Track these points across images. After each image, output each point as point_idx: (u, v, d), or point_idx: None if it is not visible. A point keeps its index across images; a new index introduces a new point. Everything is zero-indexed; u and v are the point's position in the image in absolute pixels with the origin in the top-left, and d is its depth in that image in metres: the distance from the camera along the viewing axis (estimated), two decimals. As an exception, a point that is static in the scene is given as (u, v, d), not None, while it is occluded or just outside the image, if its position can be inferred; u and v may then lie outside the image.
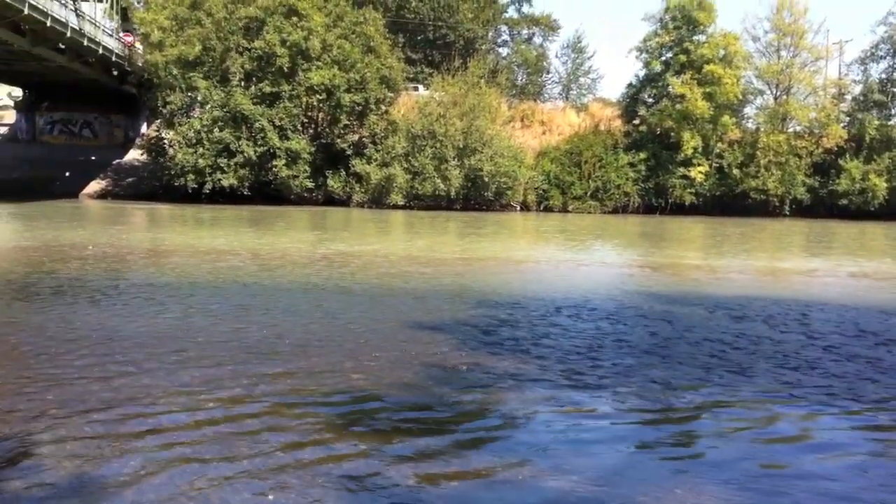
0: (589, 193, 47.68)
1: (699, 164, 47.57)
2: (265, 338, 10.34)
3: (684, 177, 47.60)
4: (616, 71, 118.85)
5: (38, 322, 10.93)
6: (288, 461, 6.15)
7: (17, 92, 53.43)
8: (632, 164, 48.04)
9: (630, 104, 52.14)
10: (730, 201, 48.29)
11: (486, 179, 44.68)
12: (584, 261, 22.75)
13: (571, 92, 74.52)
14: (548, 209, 47.12)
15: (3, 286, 14.30)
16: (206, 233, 28.56)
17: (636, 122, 51.25)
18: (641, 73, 51.86)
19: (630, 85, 52.45)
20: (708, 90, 47.00)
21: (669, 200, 47.88)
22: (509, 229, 34.84)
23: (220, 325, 11.13)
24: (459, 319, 11.93)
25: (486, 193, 45.36)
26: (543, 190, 47.45)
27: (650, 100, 51.37)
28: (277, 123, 42.50)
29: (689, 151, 46.99)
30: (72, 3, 39.15)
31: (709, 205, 48.02)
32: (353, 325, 11.37)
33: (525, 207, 47.21)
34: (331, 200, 44.50)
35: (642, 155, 48.06)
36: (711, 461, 6.45)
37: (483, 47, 65.59)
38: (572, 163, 48.38)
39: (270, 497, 5.50)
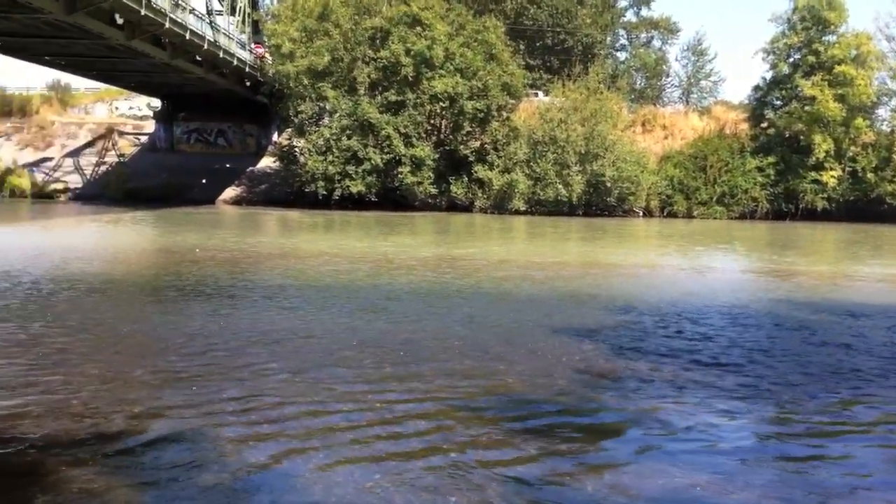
0: (715, 199, 46.81)
1: (831, 169, 45.97)
2: (412, 339, 10.68)
3: (816, 181, 46.05)
4: (739, 73, 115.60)
5: (184, 322, 11.49)
6: (463, 461, 6.33)
7: (156, 102, 56.01)
8: (760, 169, 46.86)
9: (757, 107, 50.89)
10: (864, 207, 46.48)
11: (609, 185, 44.45)
12: (713, 267, 22.59)
13: (692, 95, 73.12)
14: (671, 215, 46.49)
15: (157, 287, 15.15)
16: (337, 237, 29.56)
17: (764, 125, 49.99)
18: (768, 75, 50.63)
19: (757, 87, 51.21)
20: (840, 92, 45.49)
21: (800, 206, 46.52)
22: (634, 235, 34.66)
23: (365, 326, 11.48)
24: (595, 324, 12.13)
25: (608, 199, 45.12)
26: (667, 195, 46.85)
27: (778, 102, 50.06)
28: (402, 131, 43.38)
29: (821, 155, 45.43)
30: (207, 16, 41.11)
31: (842, 210, 46.34)
32: (494, 327, 11.69)
33: (648, 213, 46.68)
34: (453, 206, 45.10)
35: (771, 159, 46.81)
36: (874, 483, 6.28)
37: (601, 52, 65.12)
38: (697, 167, 47.61)
39: (453, 499, 5.65)
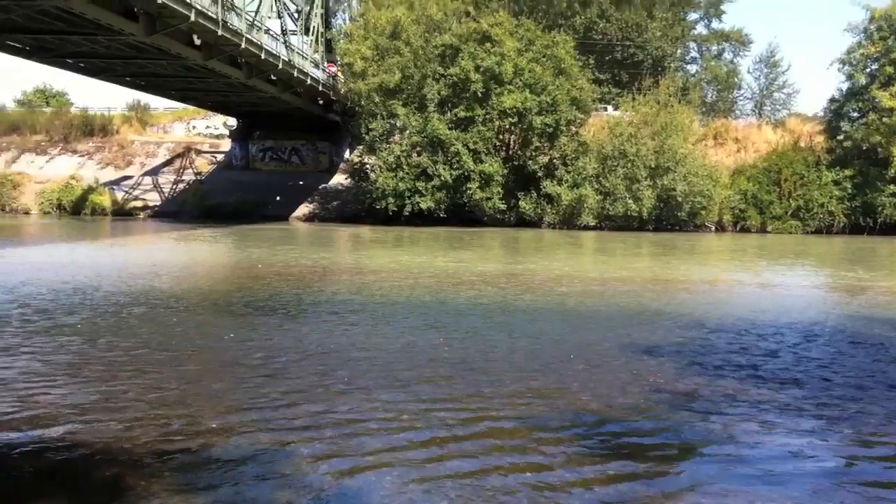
0: (790, 213, 45.79)
1: (912, 181, 44.60)
2: (484, 357, 10.76)
3: (895, 195, 44.76)
4: (813, 85, 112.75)
5: (255, 338, 11.73)
6: (539, 481, 6.34)
7: (232, 121, 57.45)
8: (836, 182, 45.64)
9: (833, 119, 49.68)
10: (947, 220, 44.94)
11: (680, 199, 43.84)
12: (789, 284, 22.06)
13: (765, 108, 71.65)
14: (745, 229, 45.61)
15: (229, 302, 15.40)
16: (407, 252, 29.82)
17: (840, 137, 48.72)
18: (844, 87, 49.42)
19: (832, 99, 49.99)
20: (920, 103, 44.12)
21: (878, 220, 45.17)
22: (706, 250, 34.11)
23: (435, 344, 11.57)
24: (665, 341, 12.06)
25: (679, 213, 44.51)
26: (740, 210, 45.99)
27: (855, 114, 48.81)
28: (471, 147, 43.56)
29: (901, 167, 44.15)
30: (282, 36, 42.00)
31: (923, 224, 44.94)
32: (562, 344, 11.72)
33: (720, 228, 45.94)
34: (522, 222, 45.03)
35: (848, 172, 45.56)
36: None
37: (671, 65, 64.42)
38: (771, 181, 46.64)
39: None
